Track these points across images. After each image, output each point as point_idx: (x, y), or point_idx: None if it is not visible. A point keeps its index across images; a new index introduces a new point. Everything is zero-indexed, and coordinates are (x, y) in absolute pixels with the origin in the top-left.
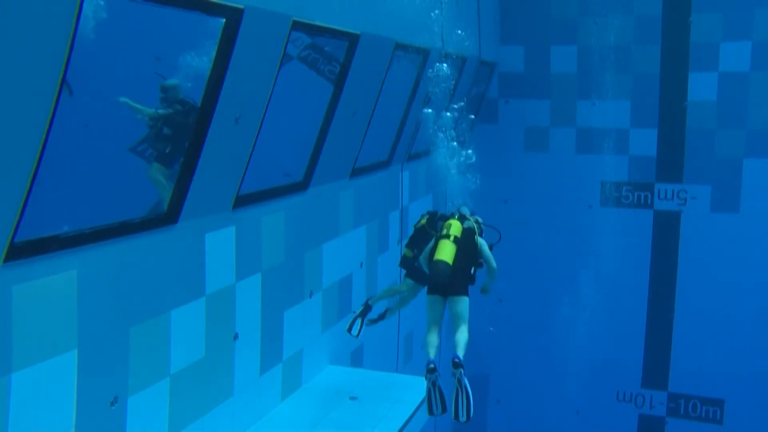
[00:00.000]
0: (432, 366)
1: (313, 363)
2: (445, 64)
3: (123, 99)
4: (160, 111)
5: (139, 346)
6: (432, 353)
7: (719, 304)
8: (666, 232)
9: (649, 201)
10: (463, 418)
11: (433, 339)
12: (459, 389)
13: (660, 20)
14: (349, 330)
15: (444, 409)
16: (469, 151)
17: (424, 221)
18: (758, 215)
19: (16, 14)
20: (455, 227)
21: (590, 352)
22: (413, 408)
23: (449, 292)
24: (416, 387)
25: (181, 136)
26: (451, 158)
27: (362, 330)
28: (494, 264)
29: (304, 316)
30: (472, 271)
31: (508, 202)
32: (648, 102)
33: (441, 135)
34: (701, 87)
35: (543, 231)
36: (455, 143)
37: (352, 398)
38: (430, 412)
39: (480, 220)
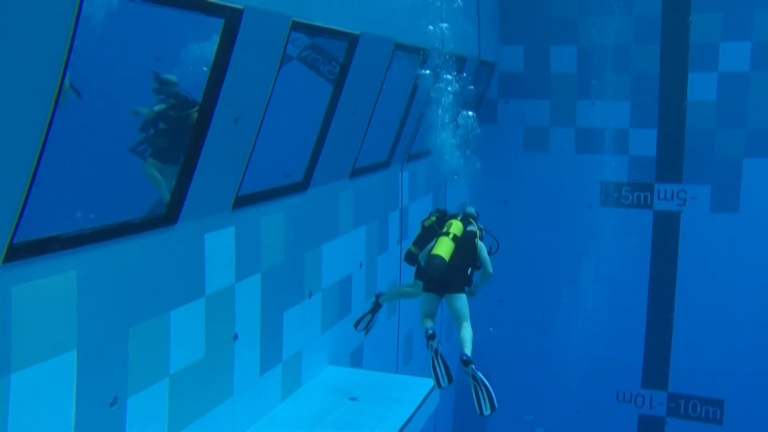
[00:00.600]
0: (431, 332)
1: (312, 363)
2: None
3: (134, 109)
4: (156, 108)
5: (138, 347)
6: (429, 324)
7: (719, 304)
8: (666, 233)
9: (649, 201)
10: (487, 412)
11: (428, 321)
12: (476, 384)
13: (660, 20)
14: (356, 325)
15: (450, 380)
16: (470, 113)
17: (433, 219)
18: (758, 215)
19: (16, 13)
20: (456, 226)
21: (590, 352)
22: (413, 408)
23: (445, 290)
24: (416, 387)
25: (177, 130)
26: (451, 123)
27: (369, 327)
28: (490, 269)
29: (303, 317)
30: (469, 272)
31: (508, 202)
32: (648, 102)
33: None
34: (701, 87)
35: (543, 231)
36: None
37: (352, 398)
38: (438, 384)
39: (482, 226)
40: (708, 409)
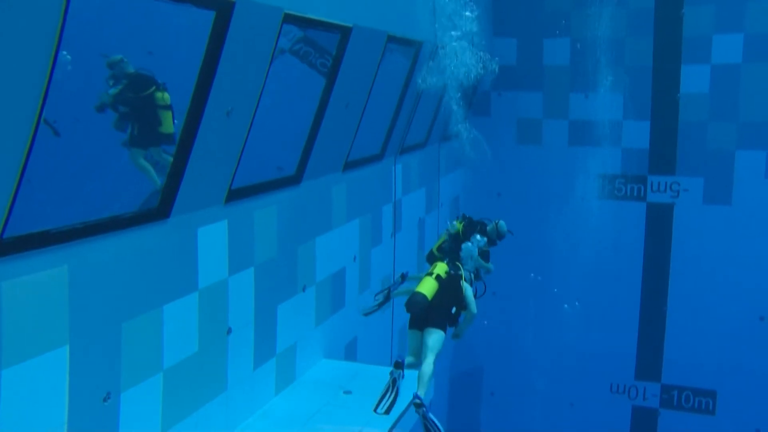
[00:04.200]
0: (418, 401)
1: (306, 357)
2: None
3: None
4: (110, 91)
5: (131, 342)
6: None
7: (712, 296)
8: (659, 225)
9: (642, 193)
10: None
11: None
12: (426, 425)
13: (653, 12)
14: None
15: None
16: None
17: (460, 227)
18: (750, 207)
19: (6, 6)
20: (440, 268)
21: (584, 345)
22: (407, 402)
23: (425, 325)
24: (410, 381)
25: (141, 111)
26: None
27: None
28: (474, 310)
29: (297, 310)
30: (453, 311)
31: (501, 195)
32: (641, 94)
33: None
34: (694, 79)
35: (536, 224)
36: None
37: (346, 392)
38: None
39: (469, 269)
40: (701, 400)
